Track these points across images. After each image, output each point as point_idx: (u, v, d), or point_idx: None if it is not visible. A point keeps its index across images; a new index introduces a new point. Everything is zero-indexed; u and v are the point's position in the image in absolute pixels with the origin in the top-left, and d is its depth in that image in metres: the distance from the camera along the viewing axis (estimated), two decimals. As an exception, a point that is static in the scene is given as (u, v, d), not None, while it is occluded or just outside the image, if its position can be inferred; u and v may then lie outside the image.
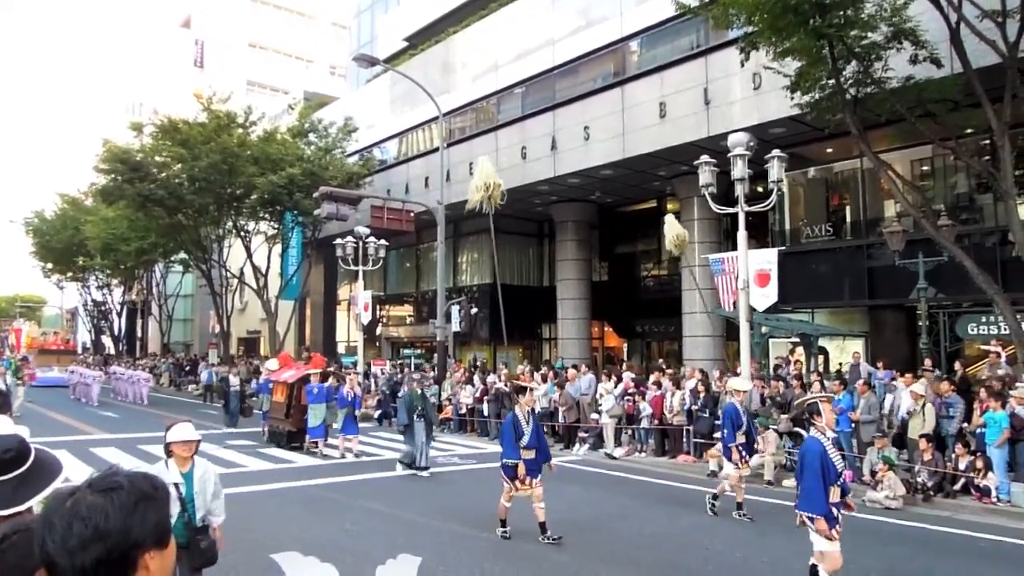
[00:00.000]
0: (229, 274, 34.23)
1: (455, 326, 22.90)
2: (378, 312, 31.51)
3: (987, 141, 14.18)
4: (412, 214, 24.15)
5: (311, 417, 14.68)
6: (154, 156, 28.93)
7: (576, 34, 21.92)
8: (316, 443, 14.69)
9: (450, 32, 27.49)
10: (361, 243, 23.88)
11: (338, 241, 24.12)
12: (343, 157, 29.47)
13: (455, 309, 22.86)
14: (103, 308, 52.32)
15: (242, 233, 30.99)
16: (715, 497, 9.73)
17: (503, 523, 8.31)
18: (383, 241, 24.40)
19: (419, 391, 13.17)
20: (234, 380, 19.61)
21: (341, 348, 36.31)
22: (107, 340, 54.01)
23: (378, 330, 33.03)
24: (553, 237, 27.64)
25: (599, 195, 24.66)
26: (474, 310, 23.98)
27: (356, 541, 8.20)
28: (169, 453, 5.04)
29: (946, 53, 12.50)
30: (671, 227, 16.57)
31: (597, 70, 21.66)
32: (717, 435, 13.62)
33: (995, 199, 14.97)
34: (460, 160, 24.96)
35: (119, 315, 52.48)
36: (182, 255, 36.57)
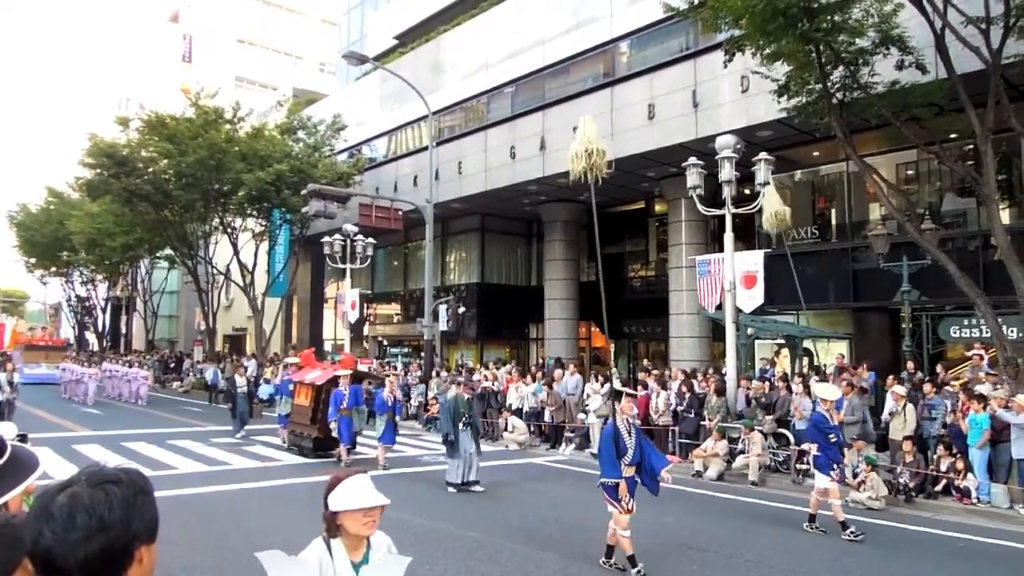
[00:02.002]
0: (215, 271, 34.04)
1: (442, 325, 22.91)
2: (365, 310, 31.44)
3: (970, 146, 14.33)
4: (400, 212, 24.12)
5: (341, 424, 13.39)
6: (140, 151, 28.72)
7: (567, 34, 21.97)
8: (348, 450, 13.27)
9: (440, 31, 27.47)
10: (349, 241, 23.81)
11: (326, 239, 24.05)
12: (332, 155, 29.40)
13: (442, 308, 22.86)
14: (87, 304, 51.89)
15: (229, 230, 30.83)
16: (812, 518, 8.96)
17: (632, 561, 6.92)
18: (371, 239, 24.37)
19: (465, 396, 11.78)
20: (241, 381, 18.01)
21: (328, 346, 36.20)
22: (91, 336, 53.56)
23: (365, 329, 32.97)
24: (541, 237, 27.69)
25: (588, 195, 24.66)
26: (461, 309, 23.98)
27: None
28: (335, 528, 2.91)
29: (931, 59, 12.64)
30: (770, 201, 14.06)
31: (587, 70, 21.72)
32: (714, 437, 13.70)
33: (978, 204, 15.14)
34: (449, 159, 24.96)
35: (103, 311, 52.06)
36: (168, 251, 36.31)
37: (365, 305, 31.03)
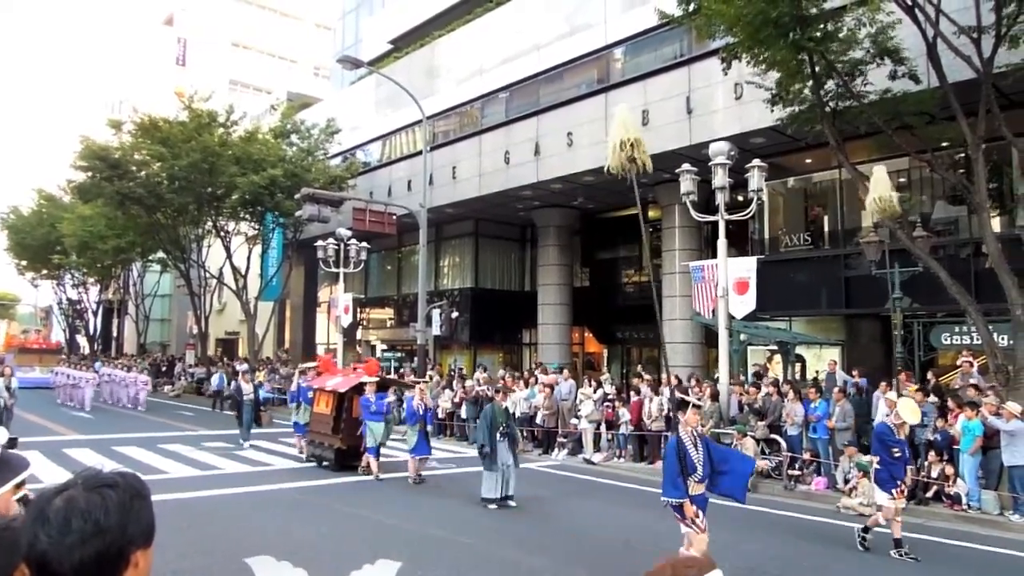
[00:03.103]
0: (208, 274, 33.93)
1: (435, 329, 22.89)
2: (358, 315, 31.39)
3: (962, 154, 14.42)
4: (394, 217, 24.10)
5: (368, 436, 12.68)
6: (133, 154, 28.61)
7: (561, 40, 22.03)
8: (370, 462, 12.67)
9: (435, 36, 27.51)
10: (343, 245, 23.76)
11: (319, 243, 24.00)
12: (326, 159, 29.38)
13: (436, 312, 22.84)
14: (78, 307, 51.62)
15: (222, 233, 30.73)
16: (866, 530, 8.50)
17: None
18: (364, 243, 24.34)
19: (503, 405, 11.21)
20: (247, 388, 17.33)
21: (320, 350, 36.11)
22: (81, 339, 53.28)
23: (358, 333, 32.91)
24: (535, 242, 27.71)
25: (581, 201, 24.76)
26: (455, 314, 23.96)
27: (332, 545, 8.16)
28: None
29: (923, 68, 12.72)
30: (878, 185, 11.92)
31: (581, 76, 21.78)
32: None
33: (969, 212, 15.23)
34: (443, 164, 24.96)
35: (94, 314, 51.81)
36: (160, 254, 36.16)
37: (358, 309, 30.99)
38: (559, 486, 12.71)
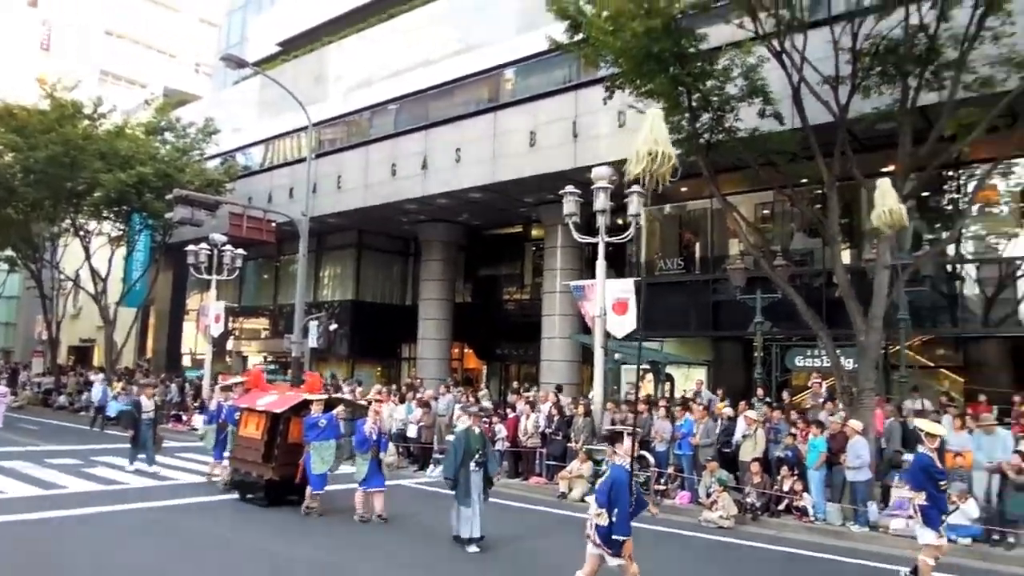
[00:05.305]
0: (63, 276, 31.44)
1: (312, 342, 22.19)
2: (230, 324, 30.02)
3: (819, 191, 15.59)
4: (274, 224, 23.20)
5: (314, 461, 10.59)
6: (-17, 142, 26.24)
7: (453, 57, 22.17)
8: (316, 497, 10.67)
9: (326, 42, 27.01)
10: (216, 251, 22.72)
11: (191, 247, 22.85)
12: (202, 159, 28.05)
13: (313, 324, 22.17)
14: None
15: (81, 232, 28.60)
16: (915, 572, 7.78)
17: None
18: (240, 250, 23.40)
19: (477, 430, 9.56)
20: (147, 404, 15.03)
21: (186, 361, 34.25)
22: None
23: (229, 343, 31.46)
24: (419, 256, 27.56)
25: (467, 217, 24.88)
26: (333, 326, 23.33)
27: (186, 570, 7.69)
28: None
29: (787, 110, 13.71)
30: (884, 197, 10.56)
31: (472, 94, 21.98)
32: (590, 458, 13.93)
33: (823, 244, 16.47)
34: (328, 172, 24.45)
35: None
36: (8, 252, 33.12)
37: (231, 319, 29.64)
38: (434, 503, 12.55)
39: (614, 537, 6.00)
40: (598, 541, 6.12)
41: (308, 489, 10.64)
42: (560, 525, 10.83)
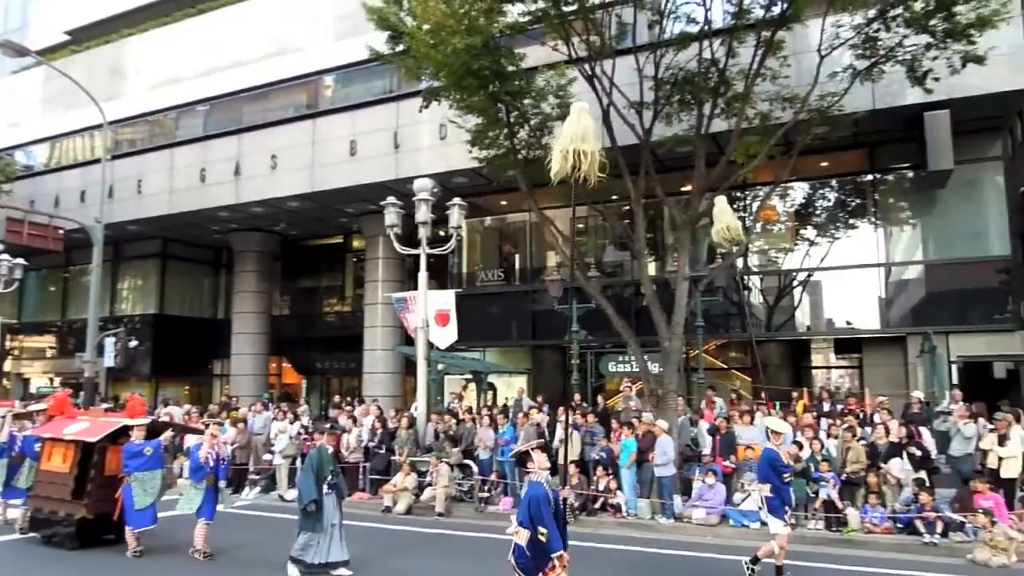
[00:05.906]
0: None
1: (108, 360, 20.28)
2: (8, 342, 26.71)
3: (627, 207, 16.70)
4: (62, 231, 20.96)
5: (137, 494, 9.39)
6: None
7: (268, 59, 21.29)
8: (139, 537, 9.42)
9: (124, 34, 24.91)
10: (-10, 260, 20.11)
11: (-43, 256, 20.06)
12: (-29, 156, 24.80)
13: (110, 341, 20.27)
14: None
15: None
16: (755, 560, 8.17)
17: None
18: (20, 260, 20.96)
19: (329, 449, 9.04)
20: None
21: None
22: None
23: (7, 364, 27.96)
24: (231, 267, 26.10)
25: (284, 226, 23.96)
26: (133, 343, 21.44)
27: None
28: None
29: (598, 130, 14.57)
30: (722, 213, 11.60)
31: (289, 99, 21.24)
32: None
33: (632, 257, 17.66)
34: (127, 175, 22.55)
35: None
36: None
37: (8, 337, 26.38)
38: (252, 526, 11.93)
39: (552, 554, 5.63)
40: (513, 562, 5.80)
41: (128, 528, 9.42)
42: (418, 543, 10.70)
